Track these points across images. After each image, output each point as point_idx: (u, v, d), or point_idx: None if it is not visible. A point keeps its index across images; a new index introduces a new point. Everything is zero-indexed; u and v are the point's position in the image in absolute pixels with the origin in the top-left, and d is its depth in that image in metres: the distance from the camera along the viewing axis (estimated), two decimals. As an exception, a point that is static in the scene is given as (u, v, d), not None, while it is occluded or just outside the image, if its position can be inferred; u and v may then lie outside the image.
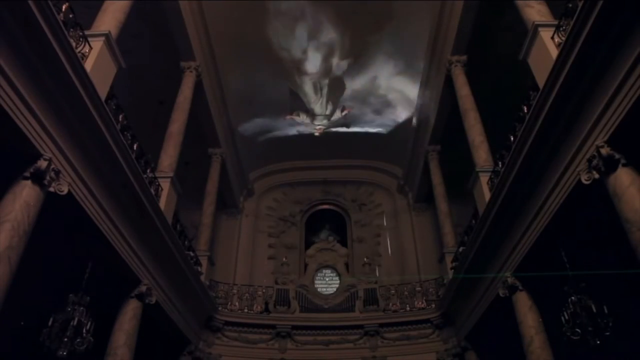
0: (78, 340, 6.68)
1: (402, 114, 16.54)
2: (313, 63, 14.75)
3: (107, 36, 7.10)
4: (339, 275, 15.95)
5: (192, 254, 11.24)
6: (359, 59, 14.62)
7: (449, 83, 12.19)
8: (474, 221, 9.84)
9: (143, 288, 8.52)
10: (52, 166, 5.60)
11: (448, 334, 12.66)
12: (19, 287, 5.15)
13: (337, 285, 15.55)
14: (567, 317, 6.96)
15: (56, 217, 6.11)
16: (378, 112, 16.75)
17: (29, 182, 5.36)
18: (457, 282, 10.86)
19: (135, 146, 8.04)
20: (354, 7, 12.98)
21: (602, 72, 5.38)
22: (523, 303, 8.22)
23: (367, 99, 16.19)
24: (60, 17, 5.46)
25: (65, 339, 6.57)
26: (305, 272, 16.38)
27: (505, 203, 7.89)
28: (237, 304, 13.80)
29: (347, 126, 17.57)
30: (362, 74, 15.15)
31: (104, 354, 7.90)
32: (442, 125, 13.94)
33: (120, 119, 7.46)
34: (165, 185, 9.57)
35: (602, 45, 5.24)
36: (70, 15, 6.06)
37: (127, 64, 7.75)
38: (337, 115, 16.92)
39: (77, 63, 5.64)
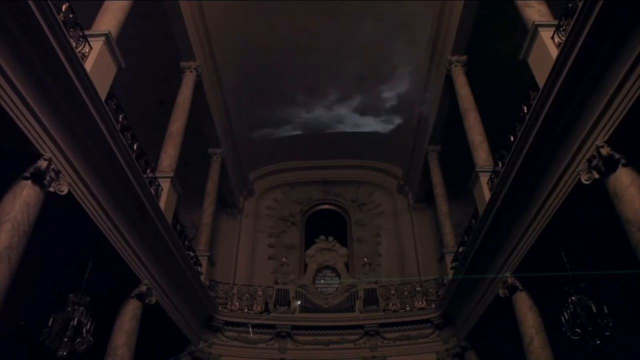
0: (78, 340, 6.67)
1: (402, 114, 16.54)
2: (314, 63, 14.75)
3: (107, 36, 7.10)
4: (339, 275, 15.94)
5: (192, 254, 11.25)
6: (359, 59, 14.63)
7: (449, 83, 12.19)
8: (474, 221, 9.84)
9: (143, 288, 8.52)
10: (52, 166, 5.60)
11: (448, 334, 12.66)
12: (19, 287, 5.14)
13: (337, 285, 15.55)
14: (567, 317, 6.96)
15: (56, 217, 6.11)
16: (378, 112, 16.75)
17: (29, 182, 5.36)
18: (457, 282, 10.86)
19: (135, 146, 8.04)
20: (355, 7, 12.99)
21: (602, 72, 5.39)
22: (523, 303, 8.22)
23: (367, 99, 16.19)
24: (60, 17, 5.46)
25: (65, 339, 6.56)
26: (305, 272, 16.37)
27: (505, 203, 7.89)
28: (237, 304, 13.80)
29: (347, 126, 17.60)
30: (362, 74, 15.15)
31: (104, 354, 7.90)
32: (442, 125, 13.95)
33: (120, 119, 7.46)
34: (165, 185, 9.57)
35: (602, 45, 5.24)
36: (70, 15, 6.06)
37: (127, 64, 7.75)
38: (338, 115, 16.93)
39: (77, 63, 5.64)
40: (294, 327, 13.40)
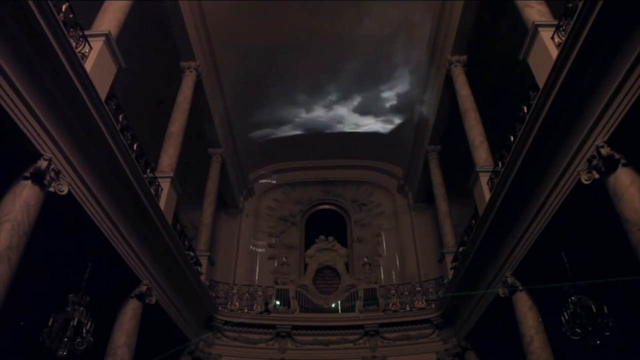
0: (78, 340, 6.68)
1: (402, 114, 16.54)
2: (314, 63, 14.75)
3: (107, 36, 7.10)
4: (339, 275, 15.94)
5: (192, 254, 11.24)
6: (359, 59, 14.63)
7: (449, 83, 12.19)
8: (474, 221, 9.84)
9: (143, 288, 8.51)
10: (52, 166, 5.59)
11: (448, 334, 12.66)
12: (19, 287, 5.14)
13: (337, 285, 15.54)
14: (567, 317, 6.96)
15: (56, 217, 6.11)
16: (378, 112, 16.75)
17: (29, 182, 5.36)
18: (457, 282, 10.86)
19: (135, 146, 8.04)
20: (355, 7, 12.99)
21: (602, 72, 5.39)
22: (523, 303, 8.22)
23: (367, 99, 16.20)
24: (60, 17, 5.46)
25: (65, 339, 6.57)
26: (305, 272, 16.37)
27: (505, 203, 7.88)
28: (237, 304, 13.80)
29: (347, 126, 17.60)
30: (362, 74, 15.15)
31: (104, 354, 7.90)
32: (442, 125, 13.94)
33: (120, 119, 7.46)
34: (165, 185, 9.57)
35: (602, 45, 5.24)
36: (70, 15, 6.06)
37: (127, 64, 7.74)
38: (338, 115, 16.94)
39: (77, 63, 5.64)
40: (294, 327, 13.39)
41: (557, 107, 6.11)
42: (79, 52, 6.10)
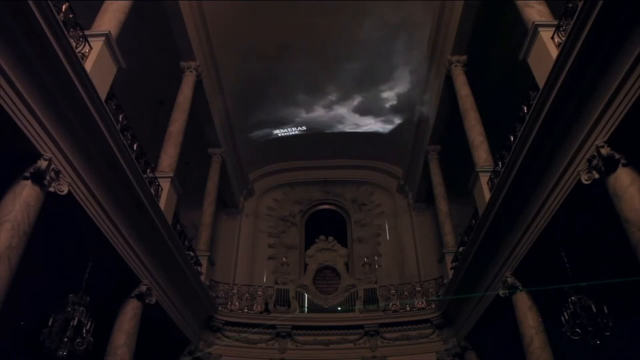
0: (78, 340, 6.67)
1: (402, 114, 16.54)
2: (314, 63, 14.75)
3: (107, 36, 7.10)
4: (339, 275, 15.94)
5: (192, 254, 11.25)
6: (359, 59, 14.63)
7: (449, 83, 12.20)
8: (474, 221, 9.84)
9: (143, 288, 8.52)
10: (52, 166, 5.59)
11: (448, 334, 12.66)
12: (19, 287, 5.14)
13: (337, 285, 15.55)
14: (567, 317, 6.96)
15: (56, 217, 6.10)
16: (378, 112, 16.75)
17: (29, 182, 5.36)
18: (457, 282, 10.86)
19: (135, 146, 8.04)
20: (355, 7, 12.99)
21: (602, 72, 5.38)
22: (523, 303, 8.22)
23: (367, 99, 16.20)
24: (60, 17, 5.46)
25: (65, 339, 6.56)
26: (305, 272, 16.38)
27: (505, 203, 7.89)
28: (237, 304, 13.81)
29: (347, 126, 17.60)
30: (362, 74, 15.15)
31: (104, 354, 7.90)
32: (442, 125, 13.95)
33: (120, 119, 7.46)
34: (165, 185, 9.57)
35: (602, 45, 5.24)
36: (70, 15, 6.06)
37: (127, 64, 7.74)
38: (338, 115, 16.94)
39: (77, 63, 5.64)
40: (294, 327, 13.40)
41: (557, 107, 6.11)
42: (79, 52, 6.10)
